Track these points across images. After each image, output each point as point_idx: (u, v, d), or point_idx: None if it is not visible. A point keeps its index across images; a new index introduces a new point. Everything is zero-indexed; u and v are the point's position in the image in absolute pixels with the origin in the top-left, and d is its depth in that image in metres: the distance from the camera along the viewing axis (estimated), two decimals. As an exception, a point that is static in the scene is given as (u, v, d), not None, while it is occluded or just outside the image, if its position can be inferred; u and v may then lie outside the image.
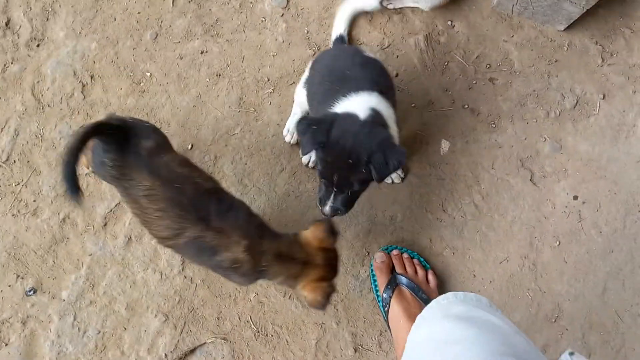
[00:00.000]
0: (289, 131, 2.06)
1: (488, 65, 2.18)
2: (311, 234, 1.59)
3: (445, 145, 2.12)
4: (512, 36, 2.21)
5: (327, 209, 1.70)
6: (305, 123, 1.60)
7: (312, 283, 1.56)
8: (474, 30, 2.20)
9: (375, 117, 1.63)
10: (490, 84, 2.18)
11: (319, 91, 1.78)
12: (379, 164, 1.55)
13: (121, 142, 1.49)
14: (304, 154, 1.96)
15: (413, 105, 2.13)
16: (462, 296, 1.36)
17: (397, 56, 2.17)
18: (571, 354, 0.96)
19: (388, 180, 2.06)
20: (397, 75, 2.15)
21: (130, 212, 1.73)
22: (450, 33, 2.20)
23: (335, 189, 1.67)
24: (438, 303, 1.37)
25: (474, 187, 2.07)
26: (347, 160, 1.56)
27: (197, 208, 1.48)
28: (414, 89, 2.15)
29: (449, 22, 2.20)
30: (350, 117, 1.60)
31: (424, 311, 1.37)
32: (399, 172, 2.06)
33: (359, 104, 1.64)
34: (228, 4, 2.15)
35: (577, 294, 2.00)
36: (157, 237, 1.58)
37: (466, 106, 2.15)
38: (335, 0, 2.17)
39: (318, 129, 1.57)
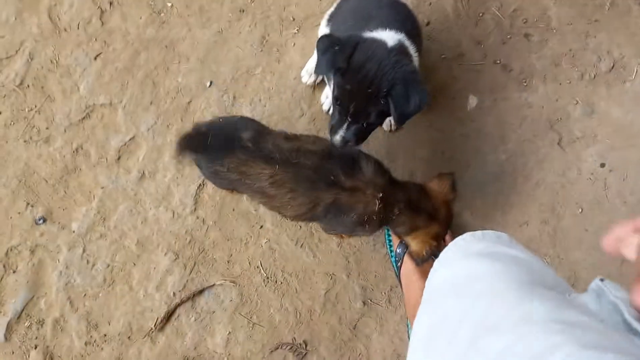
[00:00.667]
0: (308, 72, 1.96)
1: (524, 20, 2.06)
2: (437, 186, 1.56)
3: (472, 101, 2.02)
4: (553, -9, 2.08)
5: (337, 137, 1.56)
6: (327, 41, 1.46)
7: (425, 237, 1.54)
8: (513, -18, 2.07)
9: (403, 48, 1.53)
10: (525, 40, 2.06)
11: (342, 29, 1.67)
12: (400, 97, 1.44)
13: (223, 144, 1.46)
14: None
15: (443, 56, 2.02)
16: (481, 235, 1.29)
17: (430, 3, 2.04)
18: (602, 279, 0.90)
19: (385, 127, 1.96)
20: (428, 23, 2.03)
21: (259, 203, 1.69)
22: (488, -17, 2.07)
23: (349, 119, 1.53)
24: (455, 244, 1.30)
25: (499, 147, 1.98)
26: (367, 89, 1.44)
27: (323, 175, 1.45)
28: (444, 39, 2.03)
29: (488, -29, 2.07)
30: (376, 42, 1.47)
31: (441, 255, 1.31)
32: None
33: (387, 35, 1.52)
34: None
35: (594, 263, 1.94)
36: (294, 217, 1.55)
37: (498, 62, 2.04)
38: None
39: (340, 50, 1.44)
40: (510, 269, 1.04)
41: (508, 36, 2.05)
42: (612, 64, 2.06)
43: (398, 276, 1.87)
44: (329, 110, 1.95)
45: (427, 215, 1.54)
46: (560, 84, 2.03)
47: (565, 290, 1.00)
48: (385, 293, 1.90)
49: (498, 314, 0.88)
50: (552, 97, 2.02)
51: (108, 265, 1.87)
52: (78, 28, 1.93)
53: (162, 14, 1.96)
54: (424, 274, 1.81)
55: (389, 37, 1.50)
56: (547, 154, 1.99)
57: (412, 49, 1.57)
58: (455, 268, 1.18)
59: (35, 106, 1.90)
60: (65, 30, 1.92)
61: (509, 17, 2.05)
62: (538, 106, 2.01)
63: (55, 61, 1.91)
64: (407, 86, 1.43)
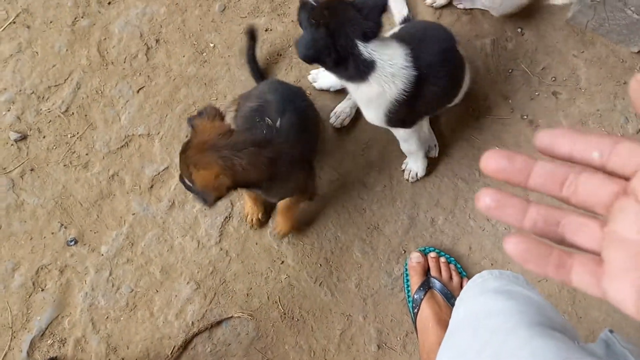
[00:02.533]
0: (336, 114, 1.99)
1: (553, 78, 2.06)
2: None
3: (498, 153, 2.01)
4: (583, 52, 2.07)
5: None
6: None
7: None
8: (544, 41, 2.08)
9: None
10: (553, 98, 2.05)
11: None
12: None
13: None
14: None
15: (471, 108, 2.03)
16: (498, 273, 1.29)
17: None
18: (611, 331, 0.88)
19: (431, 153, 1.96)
20: (458, 76, 2.05)
21: None
22: (519, 40, 2.08)
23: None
24: (474, 282, 1.30)
25: (520, 193, 1.96)
26: None
27: None
28: (473, 91, 2.04)
29: (519, 29, 2.08)
30: None
31: (461, 293, 1.31)
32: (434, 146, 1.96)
33: None
34: None
35: (614, 324, 1.88)
36: None
37: (525, 117, 2.03)
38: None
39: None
40: (524, 308, 1.03)
41: (536, 93, 2.05)
42: (639, 127, 2.04)
43: (414, 322, 1.84)
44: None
45: None
46: (586, 142, 2.01)
47: (574, 337, 0.99)
48: (400, 338, 1.87)
49: (511, 350, 0.88)
50: (578, 155, 2.00)
51: (132, 290, 1.88)
52: (124, 62, 2.00)
53: (204, 54, 2.03)
54: (441, 322, 1.77)
55: None
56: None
57: None
58: (474, 304, 1.18)
59: (78, 133, 1.96)
60: (112, 63, 2.00)
61: (538, 74, 2.06)
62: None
63: (100, 92, 1.98)
64: None
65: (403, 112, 1.67)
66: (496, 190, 0.54)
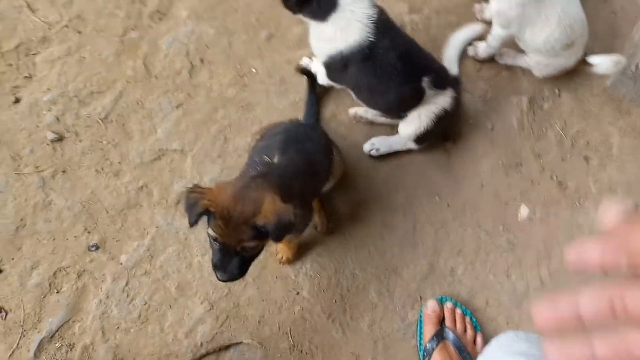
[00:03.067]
0: (374, 145, 2.00)
1: (586, 143, 2.06)
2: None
3: (524, 210, 2.00)
4: (618, 120, 2.08)
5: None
6: None
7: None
8: (580, 105, 2.09)
9: None
10: (584, 162, 2.05)
11: None
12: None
13: None
14: None
15: (501, 162, 2.03)
16: (524, 335, 1.27)
17: (496, 111, 2.07)
18: None
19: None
20: (492, 128, 2.05)
21: None
22: (556, 101, 2.09)
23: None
24: (498, 342, 1.27)
25: (543, 261, 1.94)
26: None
27: None
28: (505, 146, 2.04)
29: (556, 90, 2.10)
30: None
31: (484, 351, 1.28)
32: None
33: None
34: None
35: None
36: None
37: (554, 177, 2.03)
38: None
39: None
40: None
41: (568, 155, 2.05)
42: (667, 200, 2.03)
43: (423, 371, 1.81)
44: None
45: None
46: (613, 210, 2.00)
47: None
48: (407, 385, 1.84)
49: None
50: (604, 222, 1.99)
51: (145, 303, 1.87)
52: (168, 77, 2.02)
53: (245, 78, 2.05)
54: (449, 374, 1.75)
55: None
56: (589, 279, 1.93)
57: None
58: None
59: (114, 140, 1.97)
60: (155, 77, 2.02)
61: (571, 137, 2.06)
62: (588, 229, 1.98)
63: (140, 103, 2.00)
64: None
65: (337, 71, 1.75)
66: (558, 343, 0.56)
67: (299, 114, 2.02)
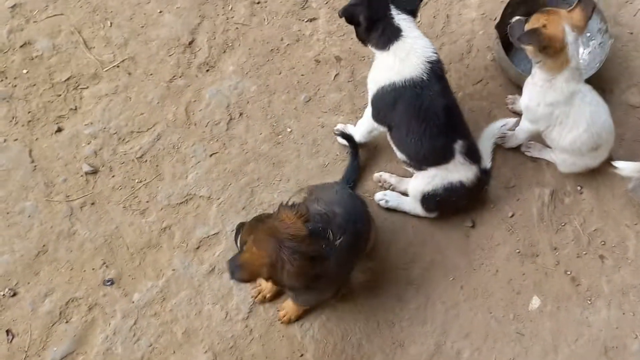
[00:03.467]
0: (385, 196, 2.05)
1: (603, 242, 2.09)
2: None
3: (535, 302, 2.01)
4: (636, 224, 2.10)
5: None
6: None
7: None
8: (600, 204, 2.12)
9: None
10: (599, 261, 2.07)
11: None
12: None
13: None
14: None
15: (517, 251, 2.05)
16: None
17: (518, 199, 2.11)
18: None
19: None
20: (512, 215, 2.09)
21: None
22: (577, 198, 2.13)
23: None
24: None
25: (549, 355, 1.93)
26: None
27: None
28: (523, 235, 2.07)
29: (579, 187, 2.14)
30: None
31: None
32: None
33: None
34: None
35: None
36: None
37: (569, 272, 2.04)
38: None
39: None
40: None
41: (584, 252, 2.07)
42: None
43: None
44: None
45: None
46: (623, 313, 2.00)
47: None
48: None
49: None
50: (613, 324, 1.98)
51: (150, 345, 1.86)
52: (206, 126, 2.09)
53: (279, 136, 2.11)
54: None
55: None
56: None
57: None
58: None
59: (145, 180, 2.02)
60: (194, 124, 2.09)
61: (588, 235, 2.08)
62: (597, 328, 1.97)
63: (176, 147, 2.06)
64: None
65: (385, 107, 1.85)
66: None
67: (327, 176, 2.07)
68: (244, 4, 2.21)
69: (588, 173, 2.13)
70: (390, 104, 1.82)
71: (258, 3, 2.23)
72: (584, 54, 2.19)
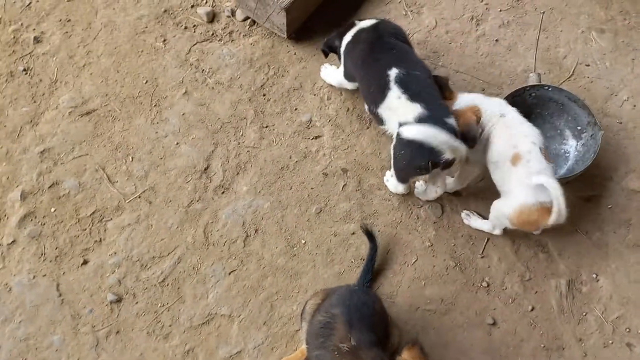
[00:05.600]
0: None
1: (628, 329, 2.04)
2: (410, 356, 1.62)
3: (569, 399, 1.94)
4: (658, 310, 2.08)
5: None
6: None
7: None
8: (619, 290, 2.10)
9: None
10: (627, 349, 2.01)
11: None
12: None
13: None
14: None
15: (542, 345, 2.01)
16: None
17: (536, 292, 2.09)
18: None
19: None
20: (532, 309, 2.07)
21: None
22: (594, 286, 2.11)
23: None
24: None
25: None
26: None
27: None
28: (545, 329, 2.03)
29: (594, 275, 2.13)
30: None
31: None
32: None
33: None
34: (389, 201, 2.27)
35: None
36: None
37: (598, 364, 1.99)
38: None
39: None
40: None
41: (610, 341, 2.02)
42: None
43: None
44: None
45: None
46: (661, 403, 1.92)
47: None
48: None
49: None
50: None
51: None
52: (224, 245, 2.16)
53: (295, 248, 2.17)
54: None
55: None
56: None
57: None
58: None
59: (168, 303, 2.05)
60: (213, 244, 2.16)
61: (612, 322, 2.05)
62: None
63: (196, 269, 2.11)
64: None
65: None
66: None
67: (342, 282, 2.09)
68: (254, 128, 2.37)
69: (600, 259, 2.14)
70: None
71: (266, 127, 2.38)
72: (578, 145, 2.28)
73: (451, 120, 1.95)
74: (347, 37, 2.20)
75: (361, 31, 2.18)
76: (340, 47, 2.22)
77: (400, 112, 1.97)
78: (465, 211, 2.21)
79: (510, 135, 1.98)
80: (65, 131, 2.34)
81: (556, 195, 1.83)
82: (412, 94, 1.96)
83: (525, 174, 1.91)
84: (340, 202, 2.25)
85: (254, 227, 2.19)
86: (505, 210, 2.00)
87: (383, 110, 2.04)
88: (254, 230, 2.19)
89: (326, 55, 2.35)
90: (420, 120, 1.90)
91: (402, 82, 1.98)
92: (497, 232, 2.15)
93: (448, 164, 1.95)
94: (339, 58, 2.28)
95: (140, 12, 2.61)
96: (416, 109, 1.94)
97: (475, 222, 2.18)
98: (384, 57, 2.06)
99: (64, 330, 1.99)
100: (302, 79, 2.48)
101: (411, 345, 1.64)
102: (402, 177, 2.12)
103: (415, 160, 1.95)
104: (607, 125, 2.35)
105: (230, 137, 2.35)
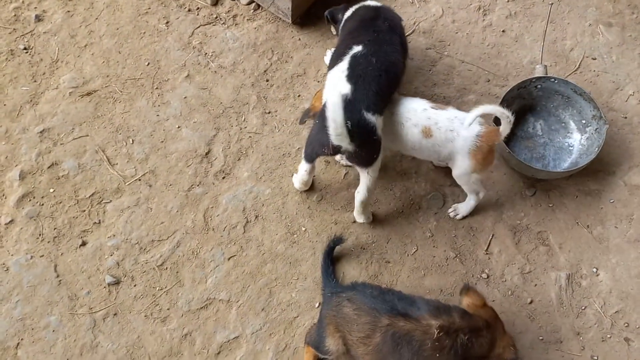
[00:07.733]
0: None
1: (626, 324, 2.04)
2: (470, 301, 1.75)
3: (566, 391, 1.94)
4: (657, 303, 2.07)
5: None
6: None
7: (503, 343, 1.71)
8: (618, 285, 2.09)
9: None
10: (625, 344, 2.01)
11: None
12: None
13: None
14: None
15: (541, 338, 2.01)
16: None
17: (536, 284, 2.09)
18: None
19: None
20: (531, 302, 2.06)
21: None
22: (593, 280, 2.10)
23: None
24: None
25: None
26: None
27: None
28: (544, 321, 2.03)
29: (594, 269, 2.12)
30: None
31: None
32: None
33: None
34: (390, 190, 2.24)
35: None
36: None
37: (595, 357, 1.97)
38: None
39: None
40: None
41: (608, 335, 2.01)
42: None
43: None
44: None
45: (488, 326, 1.68)
46: (658, 398, 1.92)
47: None
48: None
49: None
50: (650, 411, 1.90)
51: None
52: (223, 230, 2.14)
53: (295, 235, 2.15)
54: None
55: None
56: None
57: None
58: None
59: (166, 287, 2.03)
60: (212, 229, 2.14)
61: (610, 317, 2.04)
62: (634, 416, 1.89)
63: (195, 253, 2.09)
64: None
65: None
66: None
67: (343, 271, 2.08)
68: (256, 114, 2.34)
69: (601, 253, 2.13)
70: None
71: (269, 113, 2.35)
72: (582, 139, 2.26)
73: (369, 116, 1.88)
74: (348, 13, 2.18)
75: (362, 8, 2.17)
76: (341, 21, 2.20)
77: (336, 86, 1.92)
78: (448, 211, 2.19)
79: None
80: (65, 111, 2.31)
81: (485, 109, 1.86)
82: (353, 75, 1.91)
83: (446, 133, 1.95)
84: (341, 190, 2.23)
85: (254, 213, 2.17)
86: (464, 166, 2.00)
87: (329, 77, 1.99)
88: (254, 216, 2.17)
89: (327, 22, 2.31)
90: (343, 101, 1.80)
91: (354, 60, 1.94)
92: (482, 194, 2.13)
93: (336, 149, 1.89)
94: (336, 32, 2.27)
95: (143, -7, 2.58)
96: (345, 89, 1.88)
97: (462, 209, 2.17)
98: (363, 34, 2.03)
99: (61, 311, 1.98)
100: (306, 65, 2.46)
101: (467, 291, 1.79)
102: (308, 153, 2.03)
103: (320, 135, 1.89)
104: (611, 119, 2.33)
105: (232, 122, 2.32)
